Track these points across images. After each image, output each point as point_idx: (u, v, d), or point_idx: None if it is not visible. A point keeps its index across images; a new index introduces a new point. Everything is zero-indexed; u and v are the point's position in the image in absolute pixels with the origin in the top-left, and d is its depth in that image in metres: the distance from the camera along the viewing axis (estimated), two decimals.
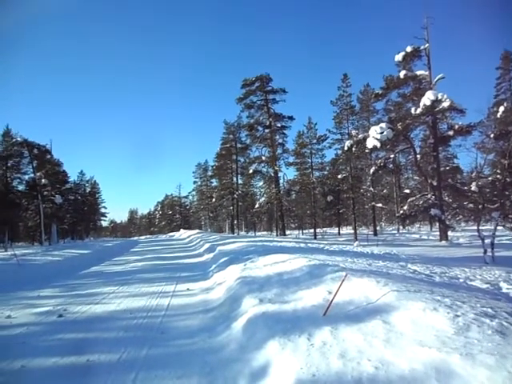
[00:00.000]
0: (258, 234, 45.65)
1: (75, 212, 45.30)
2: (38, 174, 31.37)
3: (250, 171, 37.04)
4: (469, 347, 2.83)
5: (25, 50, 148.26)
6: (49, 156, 33.16)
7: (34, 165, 31.86)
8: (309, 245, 16.26)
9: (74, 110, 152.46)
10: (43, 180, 31.25)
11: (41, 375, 3.67)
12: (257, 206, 37.84)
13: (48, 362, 3.98)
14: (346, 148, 23.05)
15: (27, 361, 3.98)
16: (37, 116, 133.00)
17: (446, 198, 21.65)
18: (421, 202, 20.52)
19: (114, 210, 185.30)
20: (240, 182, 43.59)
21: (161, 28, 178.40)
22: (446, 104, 18.44)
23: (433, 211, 19.31)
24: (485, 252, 11.42)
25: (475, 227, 13.91)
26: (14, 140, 31.99)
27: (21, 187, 33.72)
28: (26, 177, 33.36)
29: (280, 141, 35.90)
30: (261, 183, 38.64)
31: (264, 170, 36.69)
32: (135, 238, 56.35)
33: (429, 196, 20.56)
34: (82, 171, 53.46)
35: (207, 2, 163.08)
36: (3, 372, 3.75)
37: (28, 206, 33.56)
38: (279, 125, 35.63)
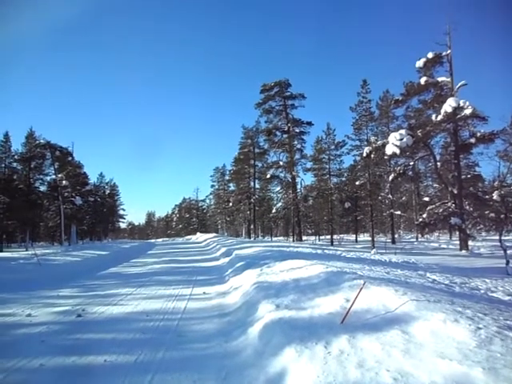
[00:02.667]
0: (274, 239, 45.60)
1: (94, 213, 46.01)
2: (60, 175, 32.03)
3: (268, 176, 37.04)
4: (491, 361, 2.76)
5: (48, 53, 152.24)
6: (70, 158, 33.86)
7: (56, 166, 32.55)
8: (325, 251, 16.14)
9: (95, 114, 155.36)
10: (64, 181, 31.90)
11: (60, 374, 3.72)
12: (274, 211, 37.84)
13: (67, 361, 4.03)
14: (364, 154, 22.91)
15: (46, 359, 4.04)
16: (58, 118, 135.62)
17: (467, 207, 21.22)
18: (440, 210, 20.18)
19: (132, 213, 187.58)
20: (257, 186, 43.74)
21: (180, 29, 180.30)
22: (467, 111, 18.16)
23: (453, 220, 18.98)
24: (507, 263, 11.15)
25: (497, 237, 13.62)
26: (37, 142, 32.77)
27: (42, 188, 34.58)
28: (48, 178, 34.24)
29: (298, 146, 35.83)
30: (278, 188, 38.57)
31: (281, 175, 36.70)
32: (152, 240, 56.84)
33: (449, 204, 20.20)
34: (101, 173, 54.59)
35: (226, 5, 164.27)
36: (23, 370, 3.81)
37: (49, 207, 34.31)
38: (298, 130, 35.56)
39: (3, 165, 32.38)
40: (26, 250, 22.58)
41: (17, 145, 37.11)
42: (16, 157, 33.22)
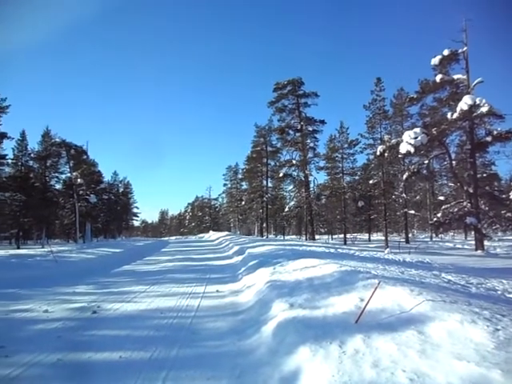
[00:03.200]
0: (286, 237, 45.51)
1: (108, 211, 46.45)
2: (75, 173, 32.38)
3: (280, 175, 36.98)
4: (511, 363, 2.71)
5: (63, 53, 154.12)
6: (85, 156, 34.16)
7: (71, 165, 32.91)
8: (339, 250, 16.02)
9: (108, 113, 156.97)
10: (79, 179, 32.21)
11: (76, 369, 3.78)
12: (286, 209, 37.76)
13: (83, 356, 4.09)
14: (378, 153, 22.77)
15: (63, 354, 4.10)
16: (72, 116, 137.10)
17: (483, 206, 20.92)
18: (455, 209, 19.93)
19: (146, 211, 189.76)
20: (270, 185, 43.64)
21: (190, 27, 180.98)
22: (484, 109, 17.88)
23: (468, 219, 18.74)
24: None
25: None
26: (52, 140, 33.17)
27: (58, 186, 34.99)
28: (63, 176, 34.61)
29: (311, 145, 35.71)
30: (291, 187, 38.48)
31: (294, 173, 36.57)
32: (165, 238, 57.25)
33: (464, 204, 19.95)
34: (115, 172, 55.20)
35: (237, 3, 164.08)
36: (41, 364, 3.87)
37: (64, 205, 34.69)
38: (310, 129, 35.45)
39: (20, 163, 32.90)
40: (42, 247, 22.86)
41: (33, 143, 37.87)
42: (32, 155, 33.75)
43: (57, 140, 32.46)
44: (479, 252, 18.87)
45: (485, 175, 23.33)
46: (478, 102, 17.87)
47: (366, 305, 4.32)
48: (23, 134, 33.52)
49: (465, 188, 20.26)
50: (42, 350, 4.24)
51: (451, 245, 25.82)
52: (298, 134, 35.60)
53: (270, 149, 41.83)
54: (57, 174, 34.73)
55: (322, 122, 35.18)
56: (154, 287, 8.33)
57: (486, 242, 20.38)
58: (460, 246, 24.13)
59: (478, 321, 3.54)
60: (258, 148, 43.14)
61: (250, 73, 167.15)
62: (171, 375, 3.61)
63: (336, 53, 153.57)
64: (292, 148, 36.04)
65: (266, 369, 3.68)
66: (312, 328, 4.19)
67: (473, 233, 22.40)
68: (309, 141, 35.58)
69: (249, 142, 45.88)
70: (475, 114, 18.40)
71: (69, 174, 33.25)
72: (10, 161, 31.59)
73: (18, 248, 27.09)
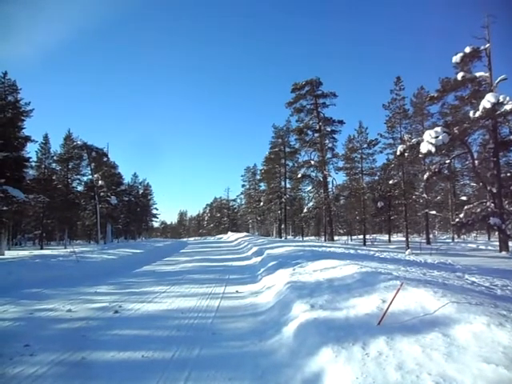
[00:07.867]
0: (305, 238, 45.30)
1: (129, 213, 47.08)
2: (96, 175, 32.98)
3: (299, 175, 36.85)
4: None
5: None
6: (105, 159, 34.80)
7: (92, 167, 33.53)
8: (358, 251, 15.85)
9: (127, 116, 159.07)
10: (100, 181, 32.80)
11: (100, 367, 3.82)
12: (305, 210, 37.57)
13: (106, 355, 4.14)
14: (398, 153, 22.45)
15: (87, 353, 4.15)
16: (94, 118, 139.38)
17: (507, 207, 20.44)
18: (478, 210, 19.52)
19: (165, 212, 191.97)
20: (288, 186, 43.60)
21: (210, 28, 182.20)
22: (508, 107, 17.43)
23: (492, 220, 18.31)
24: None
25: None
26: (74, 143, 33.87)
27: (80, 188, 35.70)
28: (85, 178, 35.34)
29: (329, 145, 35.45)
30: (309, 188, 38.25)
31: (313, 174, 36.36)
32: (184, 239, 57.64)
33: (488, 204, 19.51)
34: (135, 173, 55.81)
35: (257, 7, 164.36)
36: (65, 363, 3.93)
37: (86, 206, 35.39)
38: (329, 129, 35.19)
39: (43, 166, 33.67)
40: (65, 248, 23.35)
41: (55, 146, 38.82)
42: (55, 158, 34.52)
43: (78, 143, 33.17)
44: (503, 253, 18.44)
45: (509, 175, 22.76)
46: (501, 99, 17.45)
47: (389, 306, 4.25)
48: (46, 137, 34.32)
49: (488, 188, 19.82)
50: (67, 348, 4.30)
51: (474, 246, 25.28)
52: (316, 135, 35.40)
53: (288, 149, 41.84)
54: (78, 176, 35.54)
55: (341, 122, 34.92)
56: (174, 287, 8.39)
57: (510, 243, 19.89)
58: (483, 247, 23.59)
59: (506, 324, 3.45)
60: (276, 149, 43.14)
61: (268, 74, 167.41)
62: (193, 375, 3.62)
63: (354, 53, 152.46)
64: (310, 148, 35.88)
65: (287, 370, 3.66)
66: (334, 329, 4.14)
67: (496, 234, 21.88)
68: (327, 141, 35.35)
69: (267, 143, 45.97)
70: (499, 112, 17.95)
71: (90, 176, 33.91)
72: (33, 163, 32.33)
73: (42, 248, 27.80)
